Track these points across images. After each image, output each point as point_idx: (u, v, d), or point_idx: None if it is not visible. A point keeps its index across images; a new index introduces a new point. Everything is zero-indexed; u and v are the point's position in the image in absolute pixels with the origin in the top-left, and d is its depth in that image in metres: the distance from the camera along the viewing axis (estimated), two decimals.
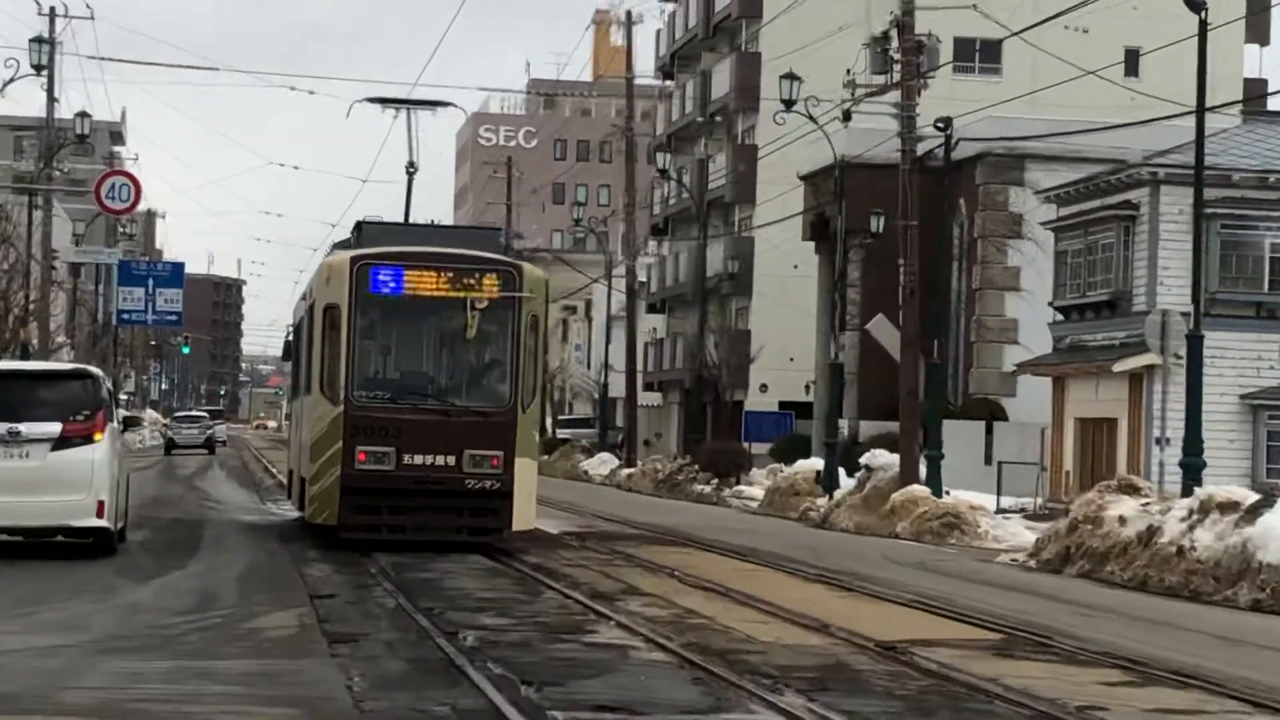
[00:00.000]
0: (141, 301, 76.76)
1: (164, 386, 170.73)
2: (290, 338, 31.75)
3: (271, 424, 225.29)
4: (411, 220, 29.37)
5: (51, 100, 59.72)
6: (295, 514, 28.94)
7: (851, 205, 44.49)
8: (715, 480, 48.24)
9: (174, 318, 79.21)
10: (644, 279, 68.51)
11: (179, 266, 79.58)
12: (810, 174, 55.03)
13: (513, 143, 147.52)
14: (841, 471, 38.60)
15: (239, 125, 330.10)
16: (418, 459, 22.98)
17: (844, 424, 45.39)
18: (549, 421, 78.45)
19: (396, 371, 24.50)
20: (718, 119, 67.83)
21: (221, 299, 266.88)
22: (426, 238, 24.94)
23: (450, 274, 23.26)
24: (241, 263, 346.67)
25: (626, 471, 56.97)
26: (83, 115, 65.81)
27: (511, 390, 23.38)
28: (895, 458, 34.49)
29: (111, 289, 77.68)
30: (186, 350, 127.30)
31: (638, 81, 63.87)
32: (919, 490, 32.83)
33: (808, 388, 57.11)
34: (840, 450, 40.54)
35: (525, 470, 23.36)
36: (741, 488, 47.06)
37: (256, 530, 28.28)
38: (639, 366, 62.26)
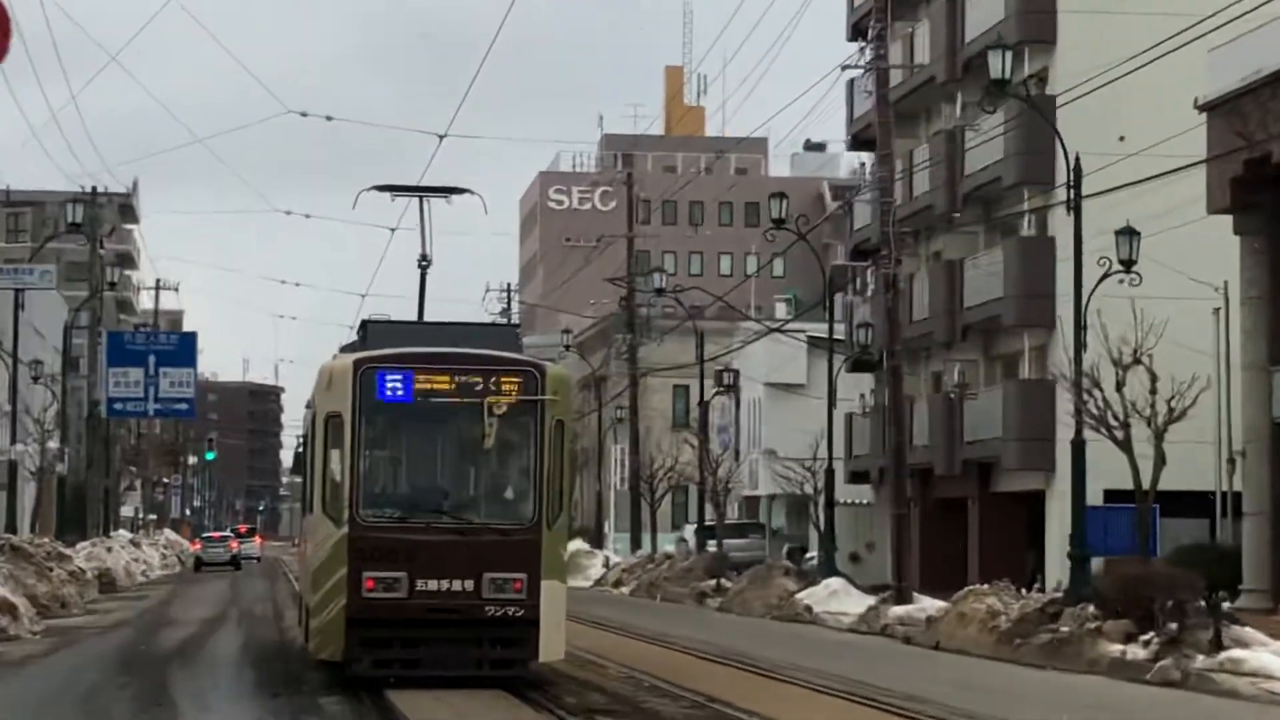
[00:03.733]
0: (139, 386, 67.44)
1: (196, 503, 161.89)
2: (299, 449, 30.75)
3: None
4: (429, 318, 27.91)
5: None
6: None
7: None
8: (1156, 640, 27.23)
9: (184, 406, 70.01)
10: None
11: (189, 339, 70.48)
12: (1228, 97, 37.67)
13: (587, 205, 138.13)
14: None
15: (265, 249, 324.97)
16: (432, 584, 22.42)
17: None
18: (688, 531, 68.10)
19: (407, 486, 23.91)
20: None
21: (258, 408, 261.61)
22: (439, 337, 24.12)
23: (465, 376, 22.77)
24: (279, 369, 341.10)
25: (924, 612, 36.71)
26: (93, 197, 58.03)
27: (535, 505, 22.84)
28: None
29: (99, 372, 67.97)
30: (211, 456, 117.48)
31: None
32: None
33: (1233, 463, 42.16)
34: None
35: (553, 594, 22.82)
36: (1236, 654, 25.76)
37: None
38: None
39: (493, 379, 22.75)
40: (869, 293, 57.62)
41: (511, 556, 22.50)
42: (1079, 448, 33.81)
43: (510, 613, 22.47)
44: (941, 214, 53.65)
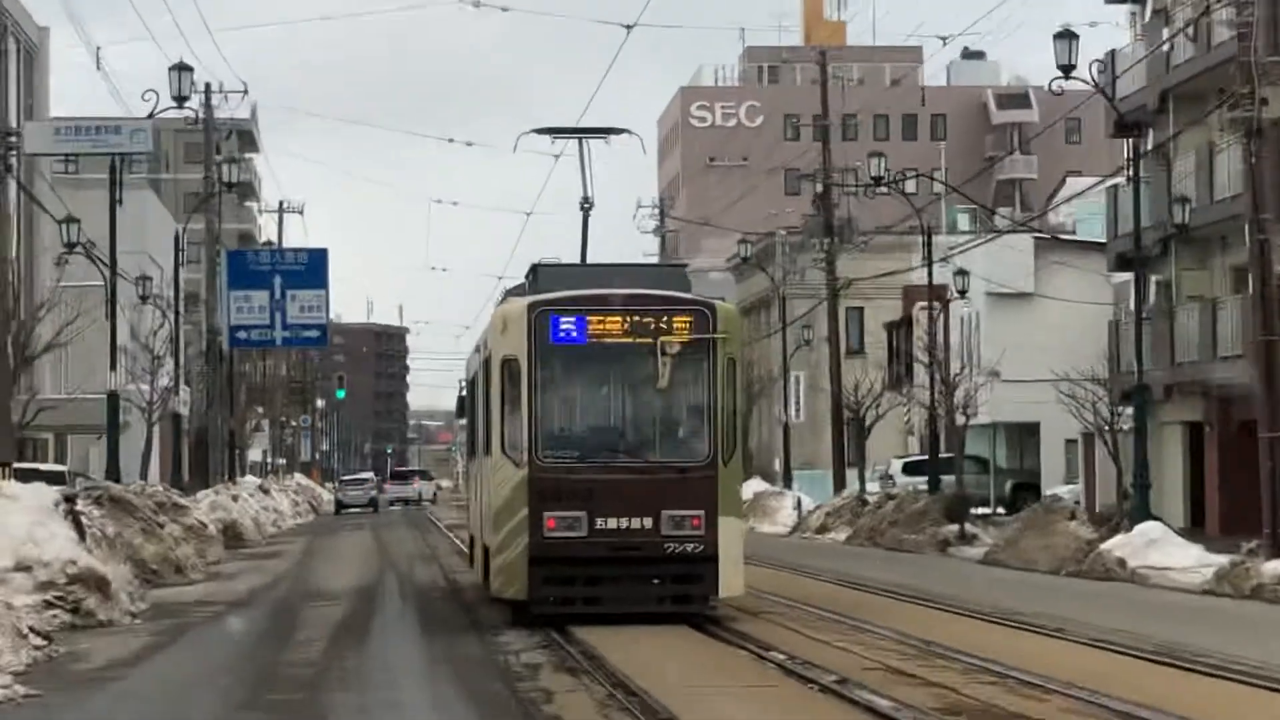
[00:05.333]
0: (264, 312, 58.42)
1: (324, 447, 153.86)
2: (463, 394, 30.66)
3: (445, 483, 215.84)
4: (590, 260, 27.61)
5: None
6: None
7: None
8: None
9: (315, 334, 60.88)
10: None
11: (319, 256, 61.13)
12: None
13: (732, 121, 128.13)
14: None
15: (393, 175, 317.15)
16: (611, 523, 22.61)
17: None
18: (895, 466, 58.26)
19: (584, 427, 23.94)
20: None
21: (384, 349, 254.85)
22: (608, 278, 24.09)
23: (637, 317, 23.08)
24: (404, 310, 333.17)
25: None
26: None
27: (711, 442, 23.00)
28: None
29: (218, 296, 58.94)
30: (342, 394, 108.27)
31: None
32: None
33: None
34: None
35: (731, 530, 23.00)
36: None
37: None
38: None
39: (664, 319, 22.97)
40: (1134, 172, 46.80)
41: (689, 494, 22.68)
42: None
43: (689, 549, 22.65)
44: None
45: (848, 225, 61.79)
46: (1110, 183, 47.77)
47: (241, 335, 60.74)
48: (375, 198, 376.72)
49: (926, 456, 62.15)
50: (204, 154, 61.78)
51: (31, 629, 20.69)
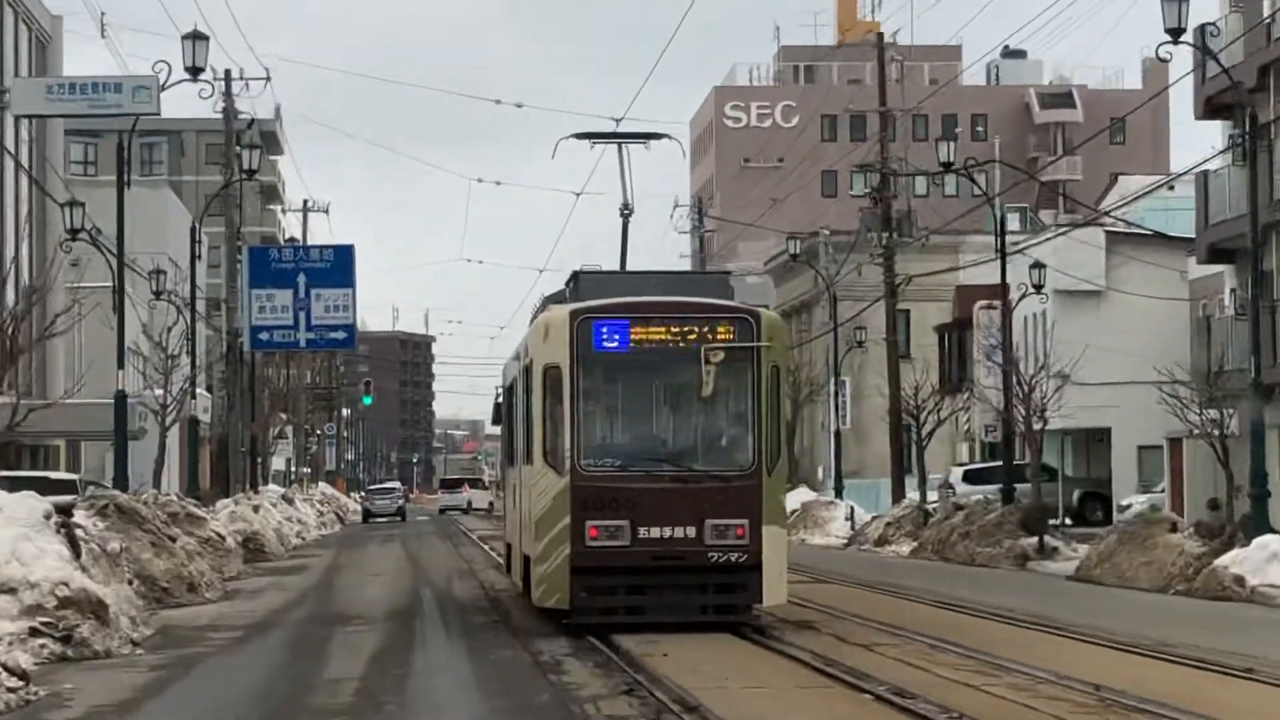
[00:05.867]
0: (288, 312, 54.97)
1: (349, 456, 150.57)
2: (500, 400, 30.90)
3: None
4: (630, 267, 27.96)
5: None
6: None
7: None
8: None
9: (341, 335, 57.48)
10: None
11: (345, 252, 57.77)
12: None
13: (768, 122, 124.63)
14: None
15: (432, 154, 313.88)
16: (654, 532, 22.34)
17: None
18: (955, 475, 54.72)
19: (626, 435, 23.75)
20: None
21: (410, 358, 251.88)
22: (650, 285, 24.13)
23: (681, 325, 22.77)
24: (429, 316, 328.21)
25: None
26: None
27: (755, 451, 22.74)
28: None
29: (239, 296, 55.57)
30: (368, 401, 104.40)
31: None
32: None
33: None
34: None
35: (774, 539, 22.71)
36: None
37: None
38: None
39: (707, 327, 22.73)
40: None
41: (732, 503, 22.44)
42: None
43: (733, 558, 22.40)
44: None
45: (906, 219, 58.16)
46: (1196, 170, 44.06)
47: (264, 336, 57.15)
48: (409, 186, 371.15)
49: (989, 464, 58.68)
50: (224, 140, 58.23)
51: (4, 666, 17.19)
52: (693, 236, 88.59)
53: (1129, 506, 50.07)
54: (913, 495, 56.99)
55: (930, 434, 53.74)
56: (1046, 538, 41.23)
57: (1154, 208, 59.67)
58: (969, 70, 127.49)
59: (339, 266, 57.53)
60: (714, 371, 22.53)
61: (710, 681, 16.94)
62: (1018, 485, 48.83)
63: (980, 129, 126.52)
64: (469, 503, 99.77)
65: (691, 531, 22.28)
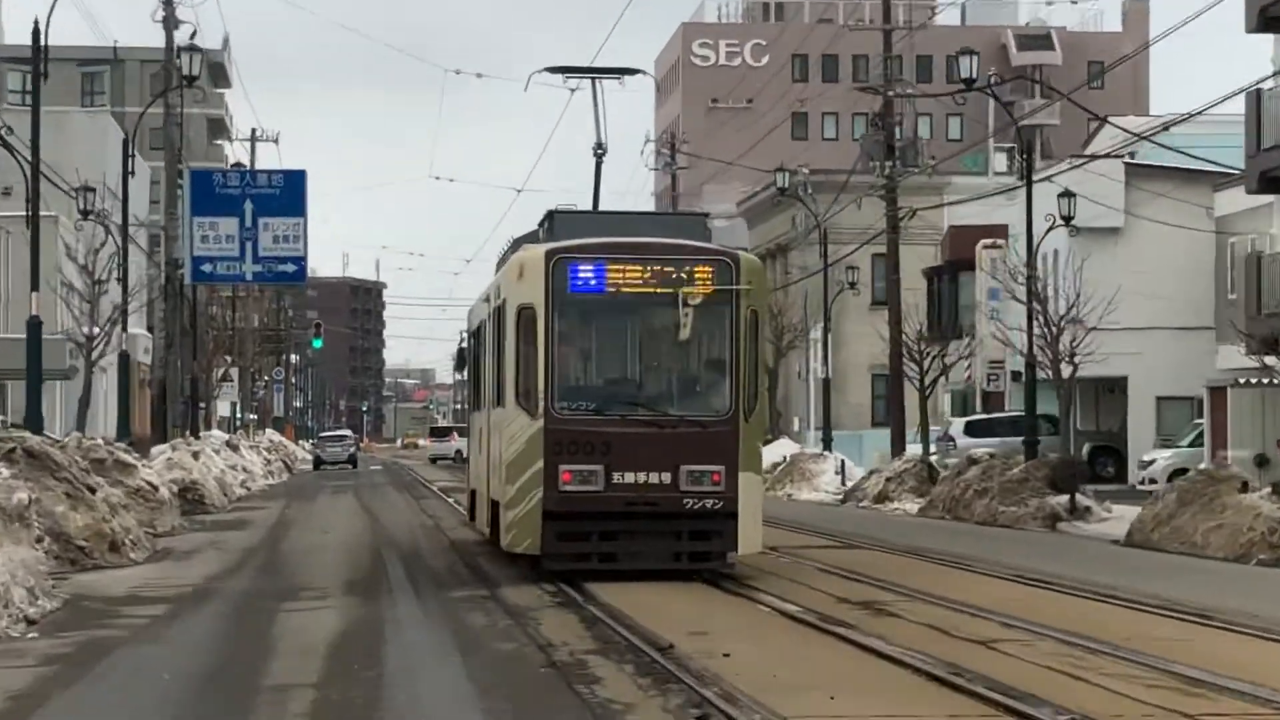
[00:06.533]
0: (233, 242, 50.59)
1: (297, 403, 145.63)
2: (465, 345, 30.36)
3: (424, 442, 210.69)
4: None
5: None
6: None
7: None
8: None
9: (291, 268, 53.13)
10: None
11: (296, 179, 53.30)
12: None
13: (736, 61, 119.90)
14: None
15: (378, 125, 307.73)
16: (629, 477, 21.79)
17: None
18: (956, 427, 50.39)
19: (601, 379, 23.28)
20: None
21: (360, 305, 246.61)
22: (626, 226, 23.62)
23: (658, 266, 22.33)
24: (386, 259, 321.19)
25: None
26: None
27: (732, 396, 22.16)
28: None
29: (180, 224, 50.97)
30: (318, 344, 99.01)
31: None
32: None
33: None
34: None
35: (750, 486, 22.22)
36: None
37: None
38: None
39: (686, 269, 22.25)
40: None
41: (709, 449, 21.85)
42: None
43: (709, 505, 21.85)
44: None
45: (912, 146, 53.46)
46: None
47: (206, 268, 52.63)
48: (370, 121, 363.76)
49: (994, 415, 54.30)
50: (164, 52, 52.93)
51: None
52: (659, 176, 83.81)
53: (1151, 463, 45.71)
54: (912, 448, 52.69)
55: (934, 382, 49.10)
56: (1078, 496, 36.79)
57: (1168, 143, 55.07)
58: (950, 12, 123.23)
59: (289, 194, 53.06)
60: (692, 314, 21.93)
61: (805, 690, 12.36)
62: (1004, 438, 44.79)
63: (955, 72, 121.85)
64: (458, 451, 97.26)
65: (667, 477, 21.71)
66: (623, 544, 22.02)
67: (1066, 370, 39.12)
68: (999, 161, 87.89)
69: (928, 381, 48.95)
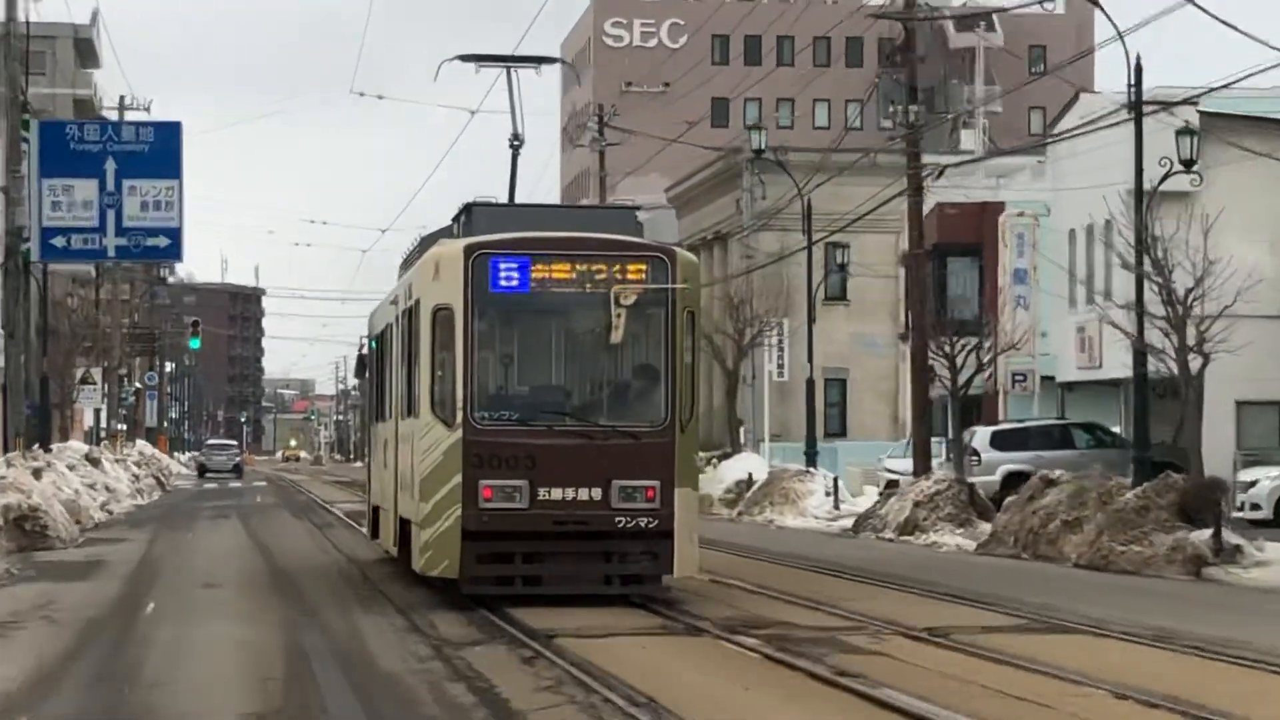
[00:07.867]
0: (92, 209, 41.20)
1: (173, 414, 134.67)
2: (365, 351, 29.28)
3: (305, 455, 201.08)
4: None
5: None
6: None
7: None
8: None
9: (164, 242, 43.57)
10: None
11: (169, 131, 43.76)
12: None
13: (652, 42, 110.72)
14: None
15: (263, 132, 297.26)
16: (556, 493, 20.37)
17: None
18: (979, 437, 41.01)
19: (525, 386, 21.84)
20: None
21: (239, 312, 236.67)
22: (552, 221, 22.06)
23: (588, 263, 20.81)
24: (259, 270, 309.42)
25: None
26: None
27: (667, 405, 20.74)
28: None
29: (26, 186, 41.25)
30: (196, 344, 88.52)
31: None
32: None
33: None
34: None
35: (687, 503, 20.79)
36: None
37: None
38: None
39: (617, 266, 20.74)
40: None
41: (642, 462, 20.45)
42: None
43: (643, 523, 20.48)
44: None
45: (943, 85, 43.99)
46: None
47: (58, 242, 43.01)
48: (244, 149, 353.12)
49: (1024, 423, 44.80)
50: None
51: None
52: (566, 163, 74.08)
53: (1254, 484, 36.37)
54: (902, 463, 43.58)
55: (969, 381, 39.31)
56: (1224, 534, 27.31)
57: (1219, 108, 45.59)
58: None
59: (161, 151, 43.49)
60: (624, 315, 20.56)
61: None
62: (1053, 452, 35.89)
63: (886, 53, 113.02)
64: (237, 465, 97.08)
65: (597, 493, 20.32)
66: (549, 566, 20.52)
67: (1195, 363, 29.89)
68: (966, 139, 78.94)
69: (963, 380, 39.15)
